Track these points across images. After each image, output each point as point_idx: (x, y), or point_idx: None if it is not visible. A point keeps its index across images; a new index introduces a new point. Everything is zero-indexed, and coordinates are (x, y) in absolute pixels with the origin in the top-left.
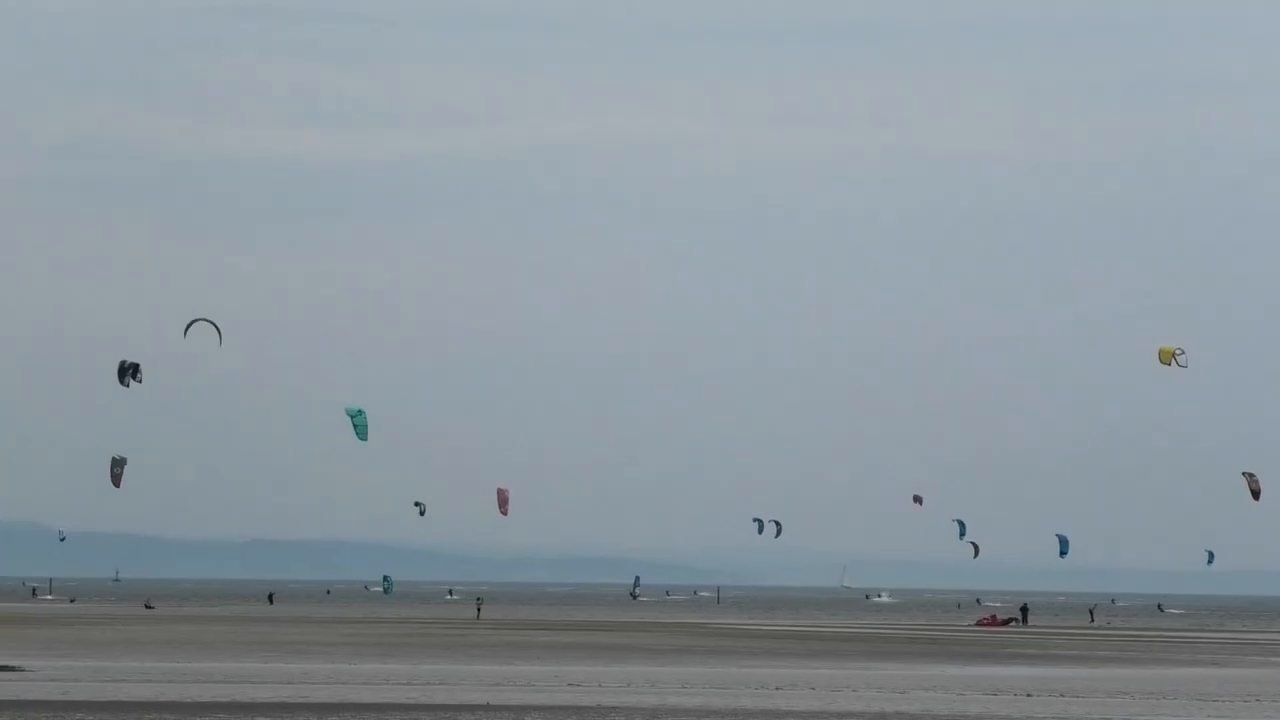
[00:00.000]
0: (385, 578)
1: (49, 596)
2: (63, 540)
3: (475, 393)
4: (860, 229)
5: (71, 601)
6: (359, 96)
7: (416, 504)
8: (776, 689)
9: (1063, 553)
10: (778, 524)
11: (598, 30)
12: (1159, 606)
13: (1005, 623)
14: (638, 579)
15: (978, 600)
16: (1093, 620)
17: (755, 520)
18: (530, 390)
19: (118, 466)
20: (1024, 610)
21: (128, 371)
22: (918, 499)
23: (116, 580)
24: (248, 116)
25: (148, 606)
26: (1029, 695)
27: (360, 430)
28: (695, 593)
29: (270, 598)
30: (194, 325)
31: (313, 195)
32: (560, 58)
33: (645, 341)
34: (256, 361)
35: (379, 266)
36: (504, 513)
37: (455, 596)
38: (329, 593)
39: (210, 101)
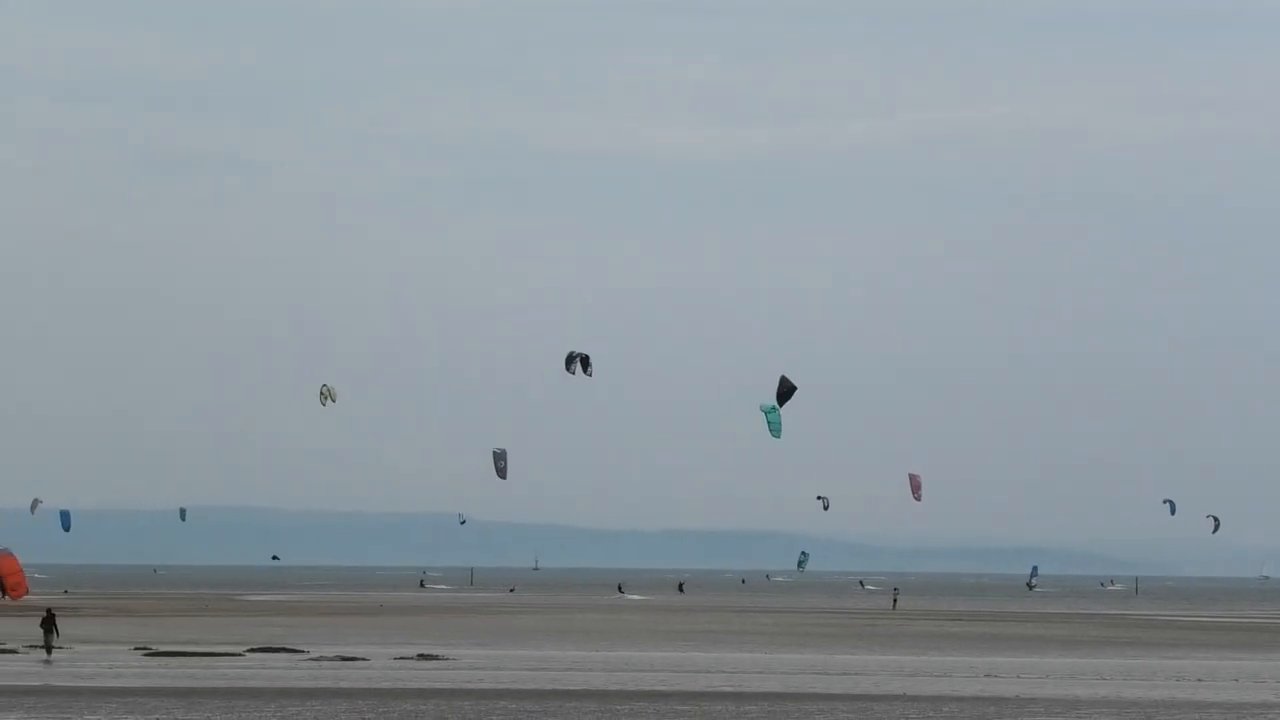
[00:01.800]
0: (803, 557)
1: (440, 586)
2: (463, 523)
3: (881, 390)
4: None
5: (511, 591)
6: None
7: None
8: (1198, 680)
9: None
10: (1215, 519)
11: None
12: None
13: None
14: (1035, 569)
15: None
16: None
17: (1166, 502)
18: (933, 386)
19: (500, 460)
20: None
21: (575, 360)
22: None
23: (536, 569)
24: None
25: (620, 590)
26: None
27: (774, 427)
28: (1110, 582)
29: (680, 586)
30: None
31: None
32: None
33: (1038, 342)
34: (670, 358)
35: (804, 264)
36: (917, 498)
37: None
38: (744, 582)
39: (609, 98)
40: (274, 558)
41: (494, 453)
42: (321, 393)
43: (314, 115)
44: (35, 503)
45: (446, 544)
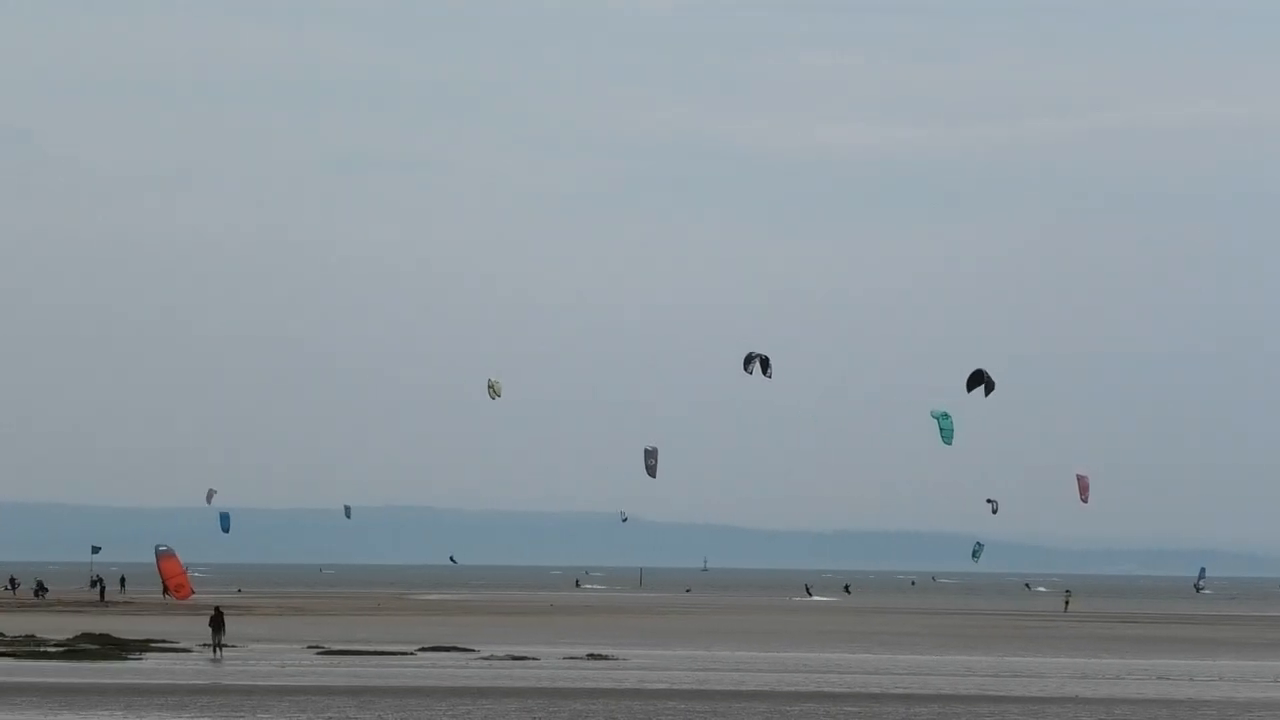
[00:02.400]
0: (977, 547)
1: (596, 587)
2: (624, 521)
3: (1053, 389)
4: None
5: (687, 591)
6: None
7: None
8: None
9: None
10: None
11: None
12: None
13: None
14: (1202, 571)
15: None
16: None
17: None
18: (1105, 384)
19: (651, 459)
20: None
21: (754, 360)
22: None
23: (705, 569)
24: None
25: (808, 591)
26: None
27: (946, 434)
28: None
29: (846, 588)
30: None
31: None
32: None
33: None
34: (842, 359)
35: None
36: (1085, 500)
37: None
38: (913, 583)
39: (783, 97)
40: (451, 559)
41: (645, 450)
42: (489, 386)
43: (493, 115)
44: (210, 493)
45: (612, 544)
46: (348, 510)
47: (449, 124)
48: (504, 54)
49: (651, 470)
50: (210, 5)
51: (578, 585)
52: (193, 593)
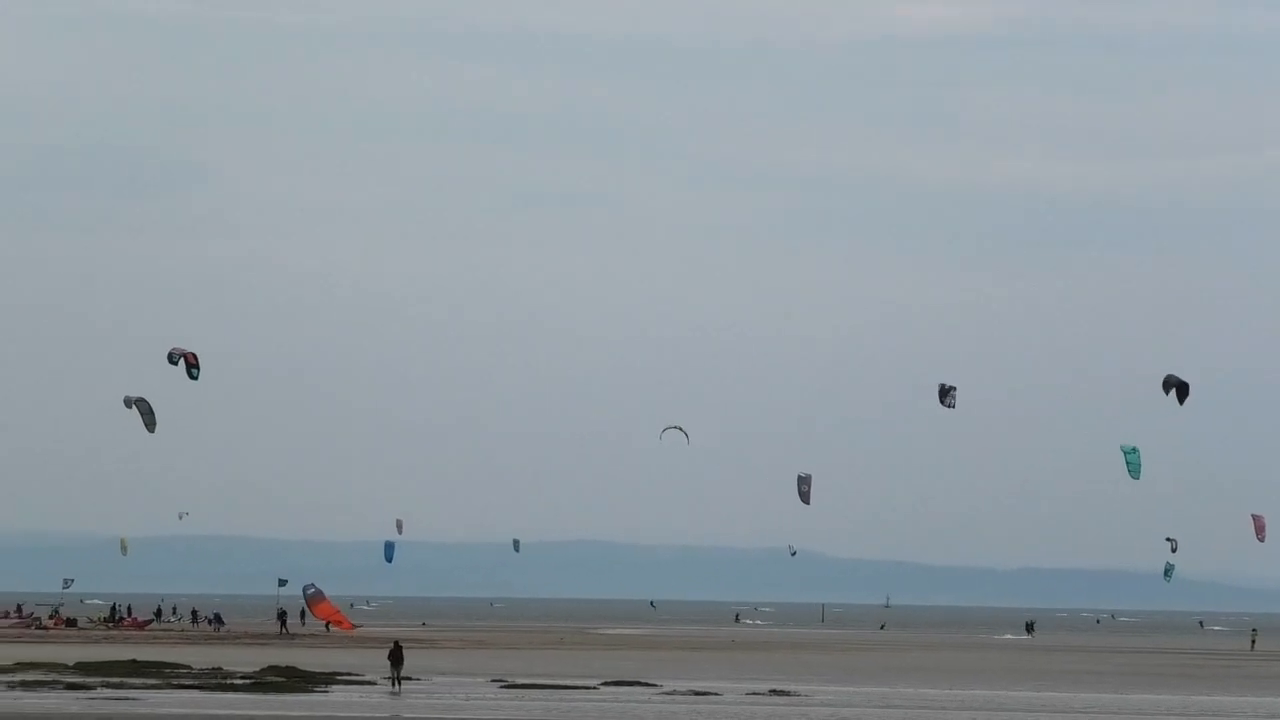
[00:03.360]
0: (1169, 566)
1: (755, 622)
2: (793, 555)
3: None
4: None
5: (881, 628)
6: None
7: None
8: None
9: None
10: None
11: None
12: None
13: None
14: None
15: None
16: None
17: None
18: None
19: (804, 484)
20: None
21: (950, 393)
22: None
23: (887, 606)
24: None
25: (1029, 630)
26: None
27: (1133, 468)
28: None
29: (1028, 626)
30: None
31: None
32: None
33: None
34: (1026, 394)
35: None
36: (1261, 539)
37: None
38: (1099, 621)
39: (959, 130)
40: (651, 604)
41: (799, 476)
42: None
43: (655, 150)
44: (398, 523)
45: (785, 578)
46: (516, 544)
47: (622, 159)
48: (680, 89)
49: (805, 496)
50: (385, 42)
51: (737, 620)
52: (354, 626)
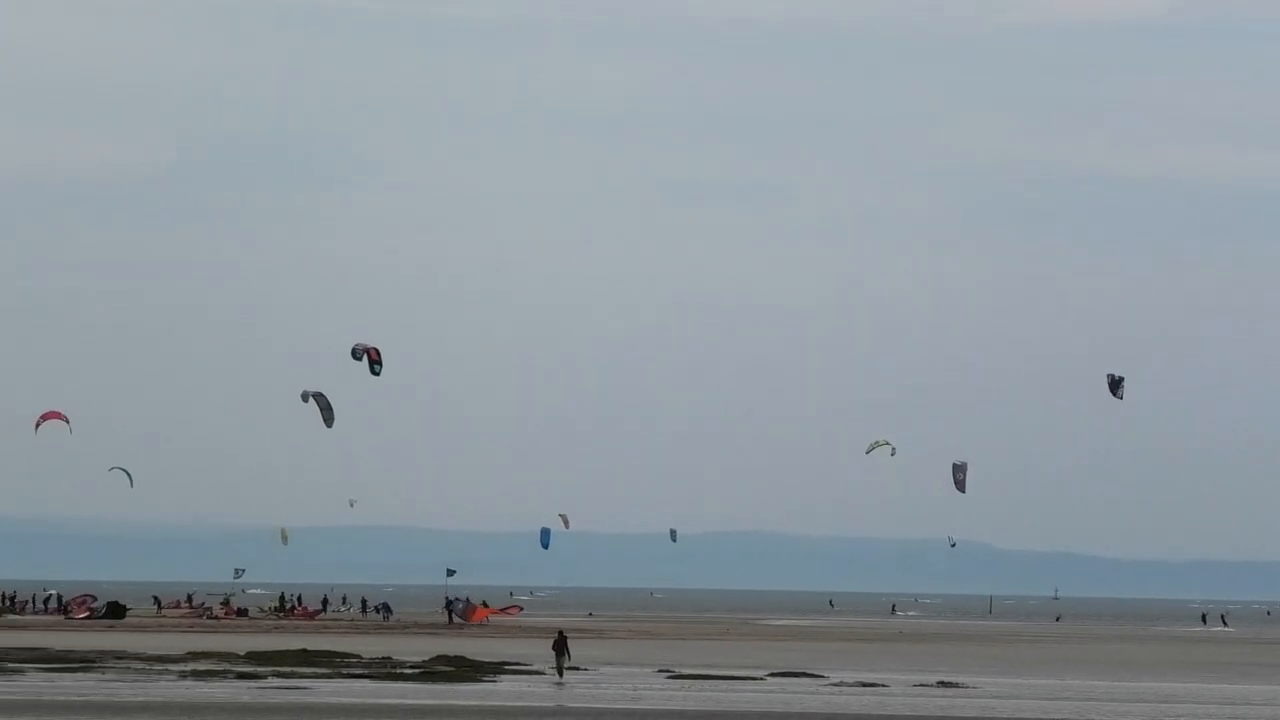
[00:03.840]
0: None
1: (911, 613)
2: (953, 545)
3: None
4: None
5: (1057, 620)
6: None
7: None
8: None
9: None
10: None
11: None
12: None
13: None
14: None
15: None
16: None
17: None
18: None
19: (959, 473)
20: None
21: (1120, 385)
22: None
23: (1055, 598)
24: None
25: (1204, 620)
26: None
27: None
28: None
29: (1204, 617)
30: None
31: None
32: None
33: None
34: (1198, 389)
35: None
36: None
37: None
38: (1269, 613)
39: (1132, 123)
40: (829, 603)
41: (954, 465)
42: (876, 444)
43: (840, 143)
44: (564, 518)
45: (950, 570)
46: (673, 534)
47: (808, 151)
48: (851, 80)
49: (960, 484)
50: (561, 33)
51: (893, 611)
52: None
